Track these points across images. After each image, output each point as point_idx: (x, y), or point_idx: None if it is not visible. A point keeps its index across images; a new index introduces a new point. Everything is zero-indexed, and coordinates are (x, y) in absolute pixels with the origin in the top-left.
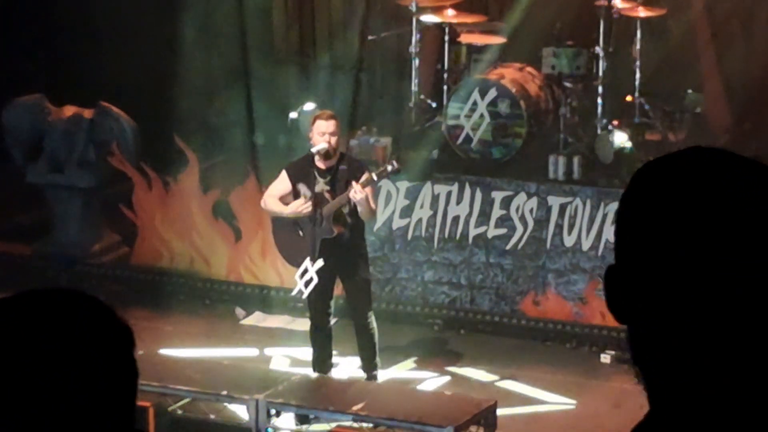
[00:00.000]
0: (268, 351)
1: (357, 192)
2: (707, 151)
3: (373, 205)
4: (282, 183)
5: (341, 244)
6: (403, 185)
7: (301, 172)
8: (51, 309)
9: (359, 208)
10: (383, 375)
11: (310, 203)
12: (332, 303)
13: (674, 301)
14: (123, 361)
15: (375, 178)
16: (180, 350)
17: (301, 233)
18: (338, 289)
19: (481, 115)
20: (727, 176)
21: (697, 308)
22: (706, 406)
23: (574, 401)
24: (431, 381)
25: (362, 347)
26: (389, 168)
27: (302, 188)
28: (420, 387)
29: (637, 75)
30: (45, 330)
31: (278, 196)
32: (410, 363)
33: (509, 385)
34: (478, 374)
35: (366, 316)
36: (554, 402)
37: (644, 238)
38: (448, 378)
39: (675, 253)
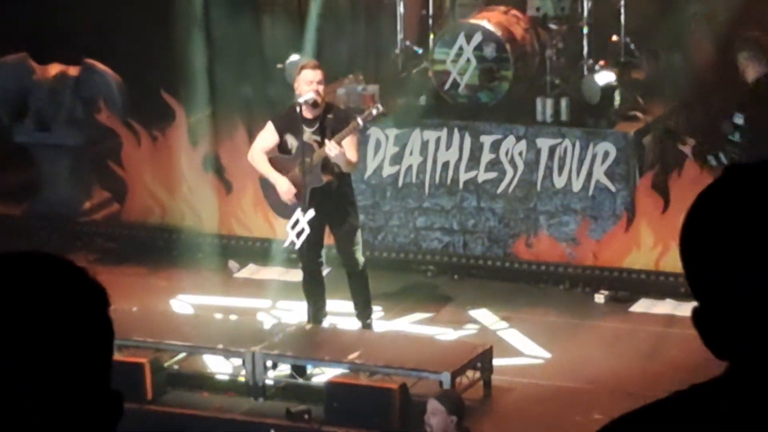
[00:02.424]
0: (263, 303)
1: (332, 149)
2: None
3: (353, 158)
4: (269, 135)
5: (330, 193)
6: (392, 133)
7: (288, 123)
8: (22, 272)
9: (339, 163)
10: (378, 323)
11: (294, 192)
12: (323, 252)
13: None
14: (97, 322)
15: (361, 123)
16: (179, 300)
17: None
18: (329, 238)
19: (468, 60)
20: None
21: None
22: None
23: (567, 345)
24: (427, 327)
25: (356, 295)
26: (374, 111)
27: (289, 139)
28: (415, 334)
29: (622, 14)
30: (16, 293)
31: (265, 148)
32: (405, 310)
33: (504, 329)
34: (473, 319)
35: (358, 264)
36: (546, 346)
37: (733, 273)
38: (443, 323)
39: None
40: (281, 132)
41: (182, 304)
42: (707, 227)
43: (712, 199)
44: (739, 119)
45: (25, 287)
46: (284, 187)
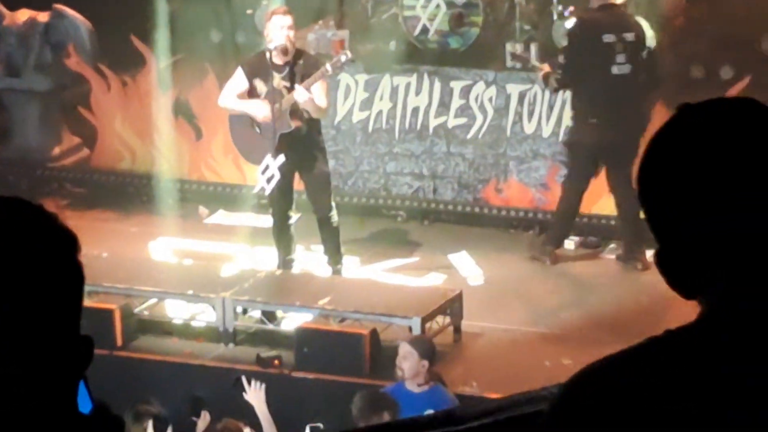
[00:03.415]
0: (233, 249)
1: (301, 93)
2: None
3: (322, 103)
4: (238, 80)
5: (299, 139)
6: (362, 78)
7: (258, 68)
8: None
9: (308, 108)
10: (349, 269)
11: (268, 107)
12: (293, 198)
13: (745, 263)
14: (67, 268)
15: (329, 69)
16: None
17: (258, 130)
18: (299, 184)
19: (437, 5)
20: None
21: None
22: None
23: (537, 290)
24: (397, 273)
25: (326, 241)
26: (343, 58)
27: (259, 84)
28: (385, 279)
29: None
30: None
31: (235, 93)
32: (375, 255)
33: (474, 274)
34: (443, 264)
35: (328, 209)
36: (516, 292)
37: (690, 213)
38: (413, 269)
39: (734, 216)
40: (251, 77)
41: (157, 248)
42: (662, 168)
43: (666, 139)
44: None
45: None
46: (259, 105)
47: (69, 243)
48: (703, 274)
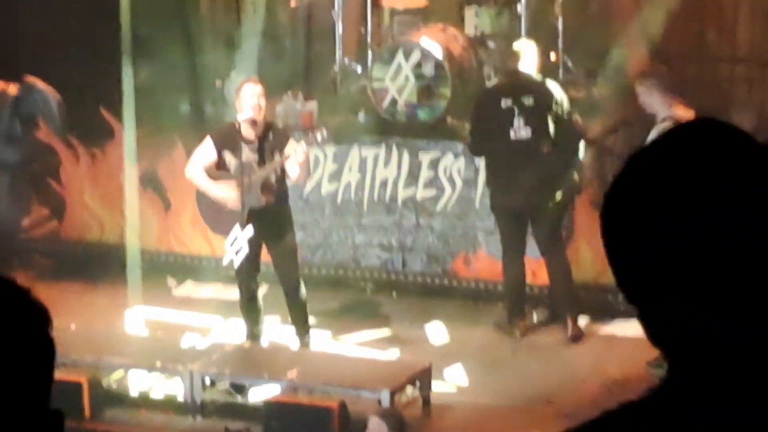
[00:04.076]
0: (201, 320)
1: (300, 153)
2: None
3: (310, 167)
4: (207, 151)
5: (267, 211)
6: (331, 150)
7: (227, 139)
8: None
9: (299, 171)
10: (316, 339)
11: (235, 193)
12: (260, 270)
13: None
14: (38, 342)
15: (304, 146)
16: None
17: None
18: (266, 257)
19: (406, 78)
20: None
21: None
22: (726, 374)
23: (505, 363)
24: (365, 344)
25: (293, 313)
26: (318, 137)
27: (227, 156)
28: (354, 351)
29: (560, 33)
30: None
31: (203, 164)
32: (344, 327)
33: (443, 346)
34: (412, 336)
35: (295, 282)
36: (484, 364)
37: (644, 222)
38: (382, 341)
39: (680, 234)
40: (220, 148)
41: (132, 318)
42: (619, 220)
43: (621, 185)
44: None
45: None
46: (227, 194)
47: (41, 318)
48: (667, 332)
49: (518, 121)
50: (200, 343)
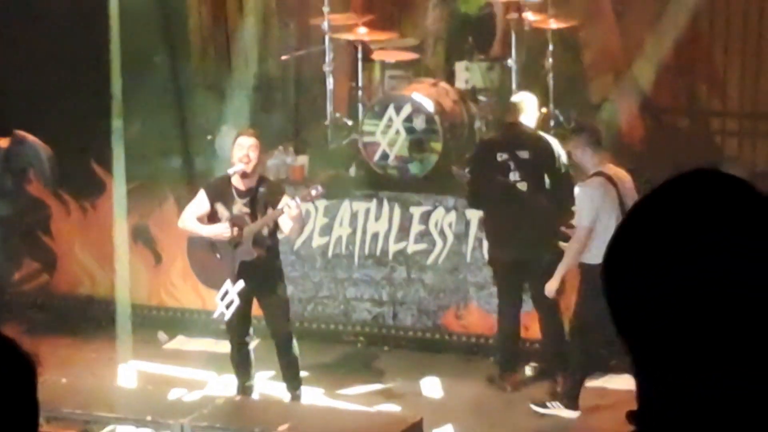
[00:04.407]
0: (192, 374)
1: (293, 207)
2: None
3: (302, 222)
4: (200, 202)
5: (259, 265)
6: (322, 204)
7: (220, 192)
8: None
9: (292, 225)
10: (308, 394)
11: (231, 228)
12: (251, 324)
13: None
14: (23, 396)
15: (299, 201)
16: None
17: (218, 255)
18: (257, 310)
19: (397, 132)
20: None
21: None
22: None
23: (496, 418)
24: (357, 398)
25: (284, 367)
26: (313, 192)
27: (220, 208)
28: (345, 404)
29: (551, 87)
30: None
31: (196, 216)
32: (335, 381)
33: (433, 400)
34: (403, 390)
35: (286, 335)
36: (475, 419)
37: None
38: (373, 395)
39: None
40: (213, 200)
41: (127, 372)
42: (618, 267)
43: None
44: None
45: None
46: (221, 229)
47: (27, 373)
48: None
49: (514, 175)
50: (191, 396)
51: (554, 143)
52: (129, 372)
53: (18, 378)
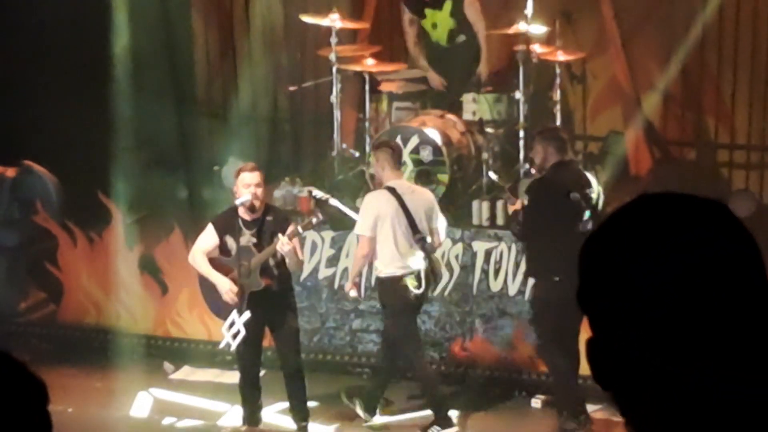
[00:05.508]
0: (198, 405)
1: (284, 244)
2: (654, 203)
3: (300, 256)
4: (209, 236)
5: (269, 296)
6: (328, 235)
7: (227, 224)
8: None
9: (287, 260)
10: (314, 425)
11: (235, 291)
12: (261, 354)
13: (659, 364)
14: (35, 417)
15: (300, 230)
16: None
17: None
18: (266, 340)
19: (404, 163)
20: (698, 230)
21: (686, 369)
22: None
23: None
24: (364, 429)
25: (292, 397)
26: (314, 220)
27: (229, 241)
28: None
29: (558, 118)
30: None
31: (206, 249)
32: (340, 413)
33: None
34: (408, 422)
35: (296, 365)
36: None
37: (623, 306)
38: (378, 427)
39: (658, 315)
40: (221, 233)
41: (143, 402)
42: (617, 252)
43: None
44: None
45: None
46: (225, 287)
47: (38, 392)
48: (624, 368)
49: (586, 214)
50: (197, 426)
51: (594, 181)
52: (138, 401)
53: (31, 399)
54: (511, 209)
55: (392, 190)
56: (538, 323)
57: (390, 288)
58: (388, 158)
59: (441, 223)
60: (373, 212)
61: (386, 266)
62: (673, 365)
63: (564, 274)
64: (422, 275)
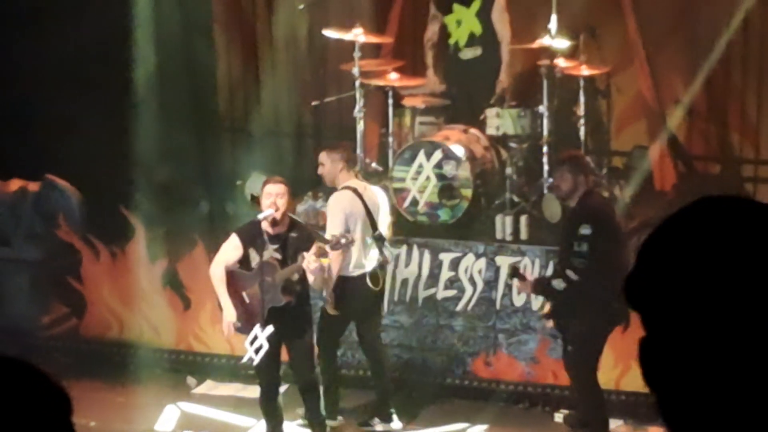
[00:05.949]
0: (221, 419)
1: (311, 263)
2: (717, 204)
3: (326, 275)
4: (233, 248)
5: (288, 311)
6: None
7: (252, 237)
8: None
9: (311, 278)
10: None
11: (236, 326)
12: (280, 368)
13: (717, 366)
14: (58, 427)
15: (328, 250)
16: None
17: (247, 300)
18: (285, 354)
19: (427, 178)
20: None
21: (743, 371)
22: None
23: None
24: None
25: (309, 410)
26: (342, 241)
27: (252, 253)
28: None
29: (582, 133)
30: None
31: (228, 261)
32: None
33: None
34: None
35: (311, 380)
36: None
37: (680, 306)
38: None
39: (717, 317)
40: (245, 245)
41: (169, 415)
42: (676, 257)
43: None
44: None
45: None
46: (229, 318)
47: (62, 402)
48: (678, 370)
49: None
50: None
51: None
52: (164, 415)
53: (54, 409)
54: (543, 313)
55: (353, 190)
56: (585, 360)
57: (355, 287)
58: (345, 158)
59: (388, 220)
60: (343, 211)
61: (354, 266)
62: (730, 370)
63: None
64: (378, 273)
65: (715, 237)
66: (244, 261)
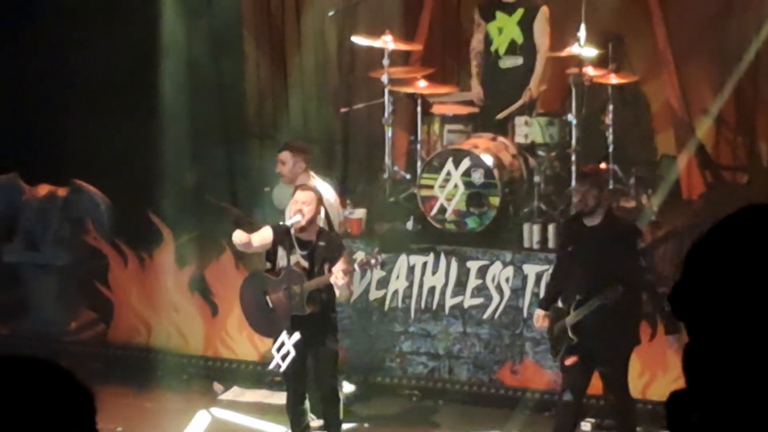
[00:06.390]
0: (248, 425)
1: (339, 278)
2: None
3: (352, 288)
4: (266, 235)
5: (311, 318)
6: (379, 257)
7: (282, 236)
8: (9, 374)
9: (337, 291)
10: None
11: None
12: (306, 375)
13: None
14: (84, 424)
15: (357, 269)
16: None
17: (270, 305)
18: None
19: (455, 186)
20: None
21: None
22: None
23: None
24: None
25: (328, 416)
26: (372, 262)
27: (280, 252)
28: None
29: (610, 142)
30: (4, 395)
31: (262, 242)
32: None
33: None
34: None
35: (332, 386)
36: None
37: (725, 314)
38: None
39: None
40: (276, 242)
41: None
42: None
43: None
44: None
45: (13, 390)
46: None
47: (86, 401)
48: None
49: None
50: None
51: None
52: (195, 420)
53: (78, 408)
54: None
55: (313, 189)
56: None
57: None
58: (307, 160)
59: (340, 218)
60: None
61: None
62: None
63: None
64: None
65: (763, 246)
66: (272, 255)
